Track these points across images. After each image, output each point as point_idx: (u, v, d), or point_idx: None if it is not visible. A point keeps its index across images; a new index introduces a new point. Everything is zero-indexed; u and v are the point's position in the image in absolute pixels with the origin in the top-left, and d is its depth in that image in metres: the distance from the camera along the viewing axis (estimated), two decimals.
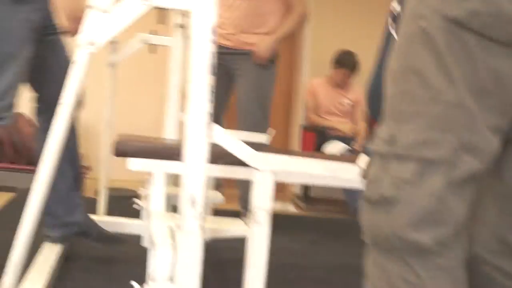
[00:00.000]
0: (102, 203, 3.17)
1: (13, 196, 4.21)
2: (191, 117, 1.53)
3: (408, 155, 1.04)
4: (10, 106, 2.13)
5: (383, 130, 1.10)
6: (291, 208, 5.19)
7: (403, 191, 1.03)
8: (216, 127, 1.60)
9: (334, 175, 1.71)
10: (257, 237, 1.69)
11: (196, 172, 1.56)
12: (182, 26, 2.82)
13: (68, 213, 2.49)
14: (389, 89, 1.12)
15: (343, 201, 5.05)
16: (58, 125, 1.64)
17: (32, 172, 4.53)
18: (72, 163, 2.44)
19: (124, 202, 4.36)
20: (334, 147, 4.60)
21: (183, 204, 1.58)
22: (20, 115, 4.78)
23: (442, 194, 1.02)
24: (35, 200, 1.70)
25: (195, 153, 1.55)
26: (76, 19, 2.03)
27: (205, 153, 1.55)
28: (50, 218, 2.45)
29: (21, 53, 2.10)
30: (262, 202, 1.65)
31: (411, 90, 1.05)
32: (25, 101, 4.92)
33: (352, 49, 5.22)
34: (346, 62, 5.09)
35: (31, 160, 4.62)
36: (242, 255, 1.85)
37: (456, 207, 1.03)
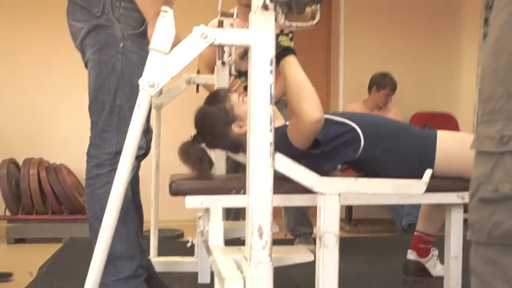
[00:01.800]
0: (153, 244, 3.17)
1: (61, 247, 4.24)
2: (253, 147, 1.54)
3: None
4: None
5: (490, 130, 1.06)
6: None
7: None
8: (278, 155, 1.61)
9: (400, 192, 1.70)
10: (327, 261, 1.69)
11: (262, 202, 1.57)
12: (224, 63, 2.84)
13: None
14: (493, 88, 1.07)
15: (387, 220, 5.04)
16: (121, 170, 1.66)
17: (76, 221, 4.58)
18: (138, 209, 2.46)
19: (170, 242, 4.40)
20: None
21: (250, 235, 1.58)
22: (61, 166, 4.85)
23: None
24: (102, 244, 1.70)
25: (260, 183, 1.56)
26: None
27: (270, 182, 1.56)
28: None
29: None
30: (331, 226, 1.65)
31: None
32: (67, 152, 4.98)
33: (385, 70, 5.32)
34: (387, 83, 5.19)
35: (74, 210, 4.68)
36: (304, 281, 1.84)
37: None
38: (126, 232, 2.27)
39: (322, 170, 2.20)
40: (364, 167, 2.45)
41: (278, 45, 2.06)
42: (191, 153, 2.40)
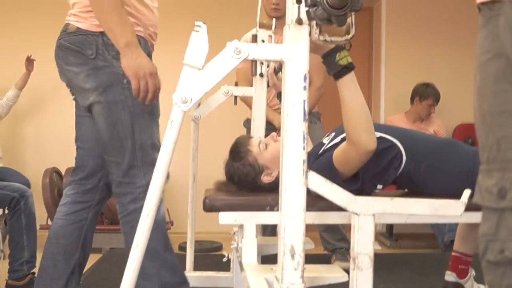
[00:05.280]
0: (189, 258, 3.15)
1: (99, 258, 4.26)
2: (286, 165, 1.50)
3: None
4: None
5: (488, 183, 1.02)
6: (376, 246, 5.07)
7: None
8: (311, 173, 1.57)
9: (437, 213, 1.64)
10: (360, 284, 1.63)
11: (294, 222, 1.53)
12: (262, 75, 2.82)
13: None
14: (484, 136, 1.04)
15: (429, 235, 4.93)
16: (154, 186, 1.64)
17: (117, 231, 4.60)
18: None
19: (207, 256, 4.38)
20: None
21: (282, 255, 1.54)
22: None
23: None
24: (133, 261, 1.68)
25: (293, 202, 1.51)
26: (140, 78, 2.09)
27: (303, 201, 1.52)
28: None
29: None
30: (365, 247, 1.60)
31: (511, 135, 0.98)
32: None
33: (428, 80, 5.25)
34: (430, 93, 5.12)
35: (115, 221, 4.69)
36: None
37: None
38: (172, 259, 2.29)
39: (363, 191, 2.14)
40: (407, 185, 2.38)
41: (335, 64, 1.95)
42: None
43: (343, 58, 1.94)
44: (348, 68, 1.96)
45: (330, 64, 1.94)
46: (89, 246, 2.49)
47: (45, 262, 2.41)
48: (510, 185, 0.97)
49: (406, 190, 2.45)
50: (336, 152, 2.13)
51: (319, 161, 2.17)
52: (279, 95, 2.77)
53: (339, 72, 1.96)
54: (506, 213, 0.97)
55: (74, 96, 2.46)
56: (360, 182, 2.14)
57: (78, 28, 2.25)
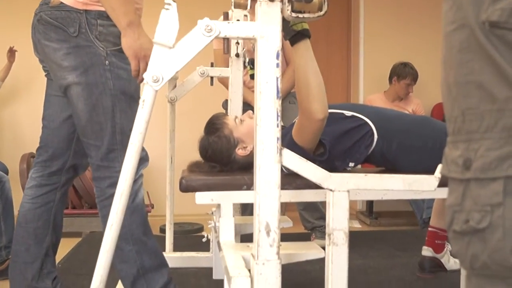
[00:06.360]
0: (168, 239, 3.16)
1: (79, 241, 4.25)
2: (260, 143, 1.50)
3: (489, 177, 0.94)
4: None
5: (454, 154, 1.01)
6: (356, 224, 5.12)
7: (495, 216, 0.94)
8: (285, 151, 1.57)
9: (411, 188, 1.65)
10: (336, 259, 1.64)
11: (269, 199, 1.53)
12: (238, 55, 2.80)
13: None
14: (450, 107, 1.03)
15: (408, 213, 4.98)
16: (127, 166, 1.64)
17: (96, 215, 4.59)
18: None
19: (188, 237, 4.39)
20: None
21: (257, 232, 1.54)
22: None
23: None
24: (108, 242, 1.67)
25: (267, 179, 1.52)
26: (140, 59, 2.04)
27: (277, 179, 1.52)
28: None
29: None
30: (340, 223, 1.61)
31: (475, 106, 0.97)
32: None
33: (406, 60, 5.27)
34: (408, 73, 5.14)
35: (94, 204, 4.67)
36: (319, 276, 1.81)
37: None
38: (151, 243, 2.26)
39: (335, 169, 2.14)
40: (381, 163, 2.38)
41: (289, 28, 1.94)
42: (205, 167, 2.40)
43: (298, 24, 1.93)
44: (302, 35, 1.96)
45: (285, 29, 1.91)
46: (60, 227, 2.46)
47: (17, 247, 2.39)
48: (475, 155, 0.96)
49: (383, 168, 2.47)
50: (294, 126, 2.14)
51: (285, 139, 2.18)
52: (250, 61, 2.77)
53: (294, 37, 1.96)
54: (471, 183, 0.97)
55: (46, 73, 2.40)
56: (327, 152, 2.14)
57: (62, 2, 2.17)
